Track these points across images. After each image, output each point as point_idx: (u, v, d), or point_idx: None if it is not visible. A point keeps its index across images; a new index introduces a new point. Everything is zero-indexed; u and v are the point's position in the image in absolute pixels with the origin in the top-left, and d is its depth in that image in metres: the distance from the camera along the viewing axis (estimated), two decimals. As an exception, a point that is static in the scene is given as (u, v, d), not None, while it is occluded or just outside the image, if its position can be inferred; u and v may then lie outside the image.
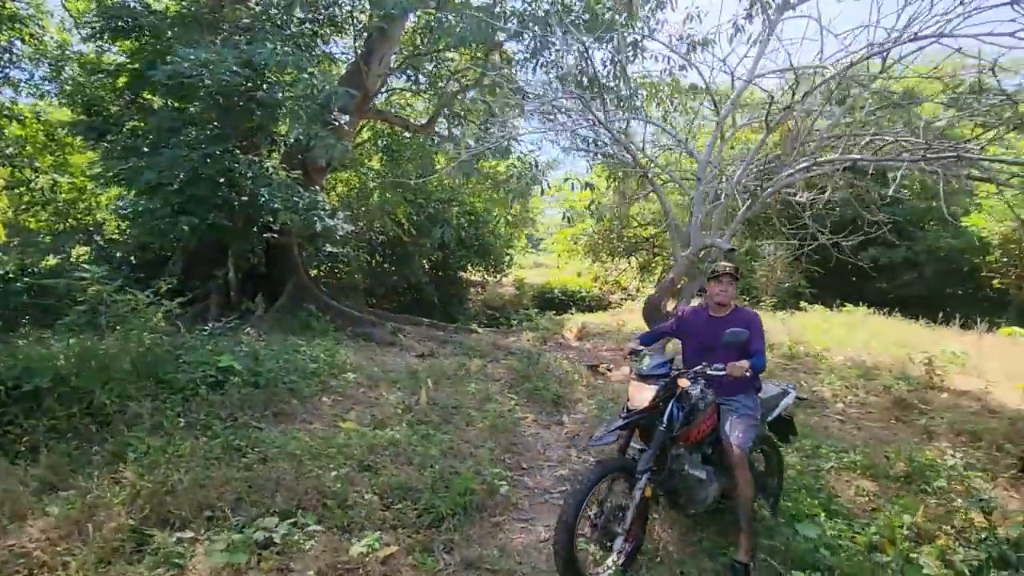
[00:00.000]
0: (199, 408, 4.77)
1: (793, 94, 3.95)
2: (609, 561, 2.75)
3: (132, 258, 10.15)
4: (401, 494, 3.52)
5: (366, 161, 14.22)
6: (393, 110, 13.62)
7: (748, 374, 2.81)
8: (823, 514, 3.55)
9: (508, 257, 16.47)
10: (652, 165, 4.89)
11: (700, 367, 2.87)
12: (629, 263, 20.89)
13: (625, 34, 6.19)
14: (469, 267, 15.80)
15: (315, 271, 12.49)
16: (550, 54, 8.03)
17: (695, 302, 5.32)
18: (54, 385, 4.34)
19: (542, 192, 7.78)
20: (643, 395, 2.77)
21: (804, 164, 3.98)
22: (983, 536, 3.38)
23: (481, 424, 5.05)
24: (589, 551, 2.89)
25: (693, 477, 2.85)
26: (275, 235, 9.62)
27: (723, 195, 4.08)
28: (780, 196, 5.00)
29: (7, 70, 10.92)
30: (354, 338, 9.31)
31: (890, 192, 4.74)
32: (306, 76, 6.96)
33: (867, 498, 3.99)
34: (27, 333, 5.37)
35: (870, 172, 5.06)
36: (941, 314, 11.35)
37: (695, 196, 4.58)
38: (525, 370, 6.65)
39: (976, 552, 3.11)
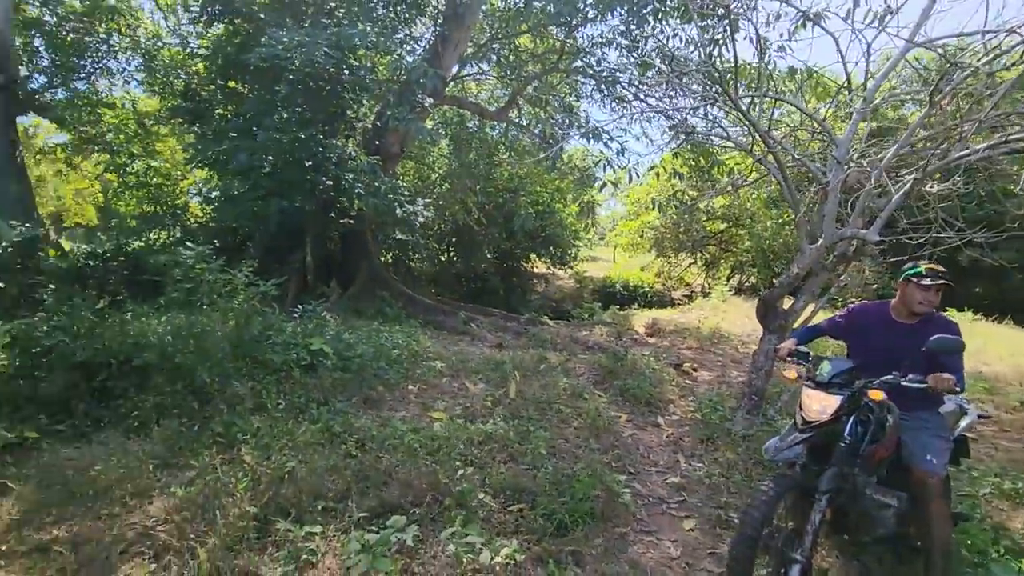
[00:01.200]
0: (293, 390, 4.73)
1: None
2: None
3: (215, 242, 10.49)
4: (514, 495, 3.29)
5: (432, 149, 14.18)
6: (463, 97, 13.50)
7: (958, 390, 2.38)
8: (996, 550, 3.07)
9: (575, 249, 16.10)
10: (779, 147, 4.43)
11: (891, 377, 2.47)
12: (695, 259, 20.09)
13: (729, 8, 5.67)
14: (533, 258, 15.55)
15: (383, 258, 12.57)
16: (641, 34, 7.61)
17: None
18: (160, 361, 4.38)
19: (629, 180, 7.39)
20: (822, 405, 2.41)
21: (999, 142, 3.44)
22: None
23: (577, 422, 4.78)
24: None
25: (878, 503, 2.47)
26: (351, 220, 9.68)
27: (871, 179, 3.60)
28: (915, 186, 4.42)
29: (105, 61, 11.47)
30: (425, 326, 9.24)
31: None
32: (395, 56, 6.84)
33: (1040, 533, 3.46)
34: (131, 310, 5.48)
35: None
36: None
37: (831, 182, 4.10)
38: (613, 366, 6.33)
39: None
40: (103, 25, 10.96)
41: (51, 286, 6.99)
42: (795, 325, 4.88)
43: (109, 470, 3.15)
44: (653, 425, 5.25)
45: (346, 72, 7.56)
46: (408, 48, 8.54)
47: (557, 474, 3.52)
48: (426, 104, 7.67)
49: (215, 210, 9.04)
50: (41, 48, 10.86)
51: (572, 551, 2.83)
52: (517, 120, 11.54)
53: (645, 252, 20.81)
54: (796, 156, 4.50)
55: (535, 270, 17.03)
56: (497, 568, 2.49)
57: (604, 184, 7.66)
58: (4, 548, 2.58)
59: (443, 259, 14.77)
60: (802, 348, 2.86)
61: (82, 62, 11.01)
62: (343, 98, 7.78)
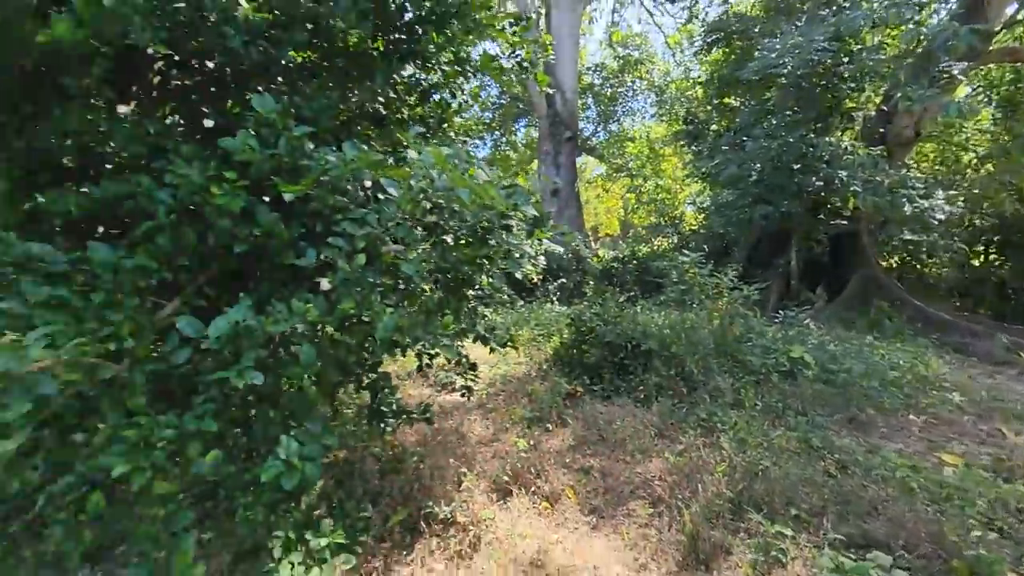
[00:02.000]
0: (770, 394, 4.83)
1: None
2: None
3: (704, 247, 11.60)
4: (1073, 594, 2.41)
5: (964, 125, 11.05)
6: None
7: None
8: None
9: None
10: None
11: None
12: None
13: None
14: None
15: (884, 262, 10.77)
16: None
17: None
18: (660, 349, 5.32)
19: None
20: None
21: None
22: None
23: None
24: None
25: None
26: (843, 221, 8.84)
27: None
28: None
29: (630, 104, 14.45)
30: (940, 347, 7.47)
31: None
32: (911, 27, 5.82)
33: None
34: (640, 304, 6.85)
35: None
36: None
37: None
38: None
39: None
40: (629, 76, 13.82)
41: (591, 282, 9.50)
42: None
43: (624, 427, 4.15)
44: None
45: (845, 60, 6.93)
46: (931, 10, 7.03)
47: None
48: (955, 72, 6.14)
49: (706, 218, 10.00)
50: (590, 104, 14.67)
51: None
52: None
53: None
54: None
55: None
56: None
57: None
58: (566, 461, 3.82)
59: (975, 264, 11.35)
60: None
61: (614, 108, 14.23)
62: (839, 89, 7.16)
